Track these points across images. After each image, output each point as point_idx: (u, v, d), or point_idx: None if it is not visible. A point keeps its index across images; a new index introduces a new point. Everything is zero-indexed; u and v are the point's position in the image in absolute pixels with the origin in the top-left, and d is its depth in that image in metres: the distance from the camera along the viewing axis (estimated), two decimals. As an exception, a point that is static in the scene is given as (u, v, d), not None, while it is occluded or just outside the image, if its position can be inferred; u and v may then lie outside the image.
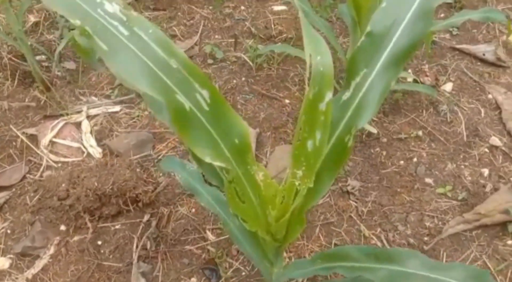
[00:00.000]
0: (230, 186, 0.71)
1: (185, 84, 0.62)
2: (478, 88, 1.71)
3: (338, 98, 0.71)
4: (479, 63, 1.81)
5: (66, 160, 1.43)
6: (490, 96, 1.68)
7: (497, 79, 1.75)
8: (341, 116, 0.71)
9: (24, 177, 1.40)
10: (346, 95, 0.70)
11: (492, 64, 1.80)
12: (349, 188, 1.44)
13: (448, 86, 1.70)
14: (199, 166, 0.79)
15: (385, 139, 1.55)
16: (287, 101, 1.64)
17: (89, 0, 0.60)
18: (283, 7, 1.98)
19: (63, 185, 1.30)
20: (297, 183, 0.72)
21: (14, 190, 1.37)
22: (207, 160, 0.64)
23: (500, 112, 1.63)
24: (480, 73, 1.76)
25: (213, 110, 0.65)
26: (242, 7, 1.96)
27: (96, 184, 1.24)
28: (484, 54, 1.83)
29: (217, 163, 0.65)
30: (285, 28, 1.87)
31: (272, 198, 0.77)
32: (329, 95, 0.64)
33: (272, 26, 1.87)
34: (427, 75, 1.74)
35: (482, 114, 1.62)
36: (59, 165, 1.43)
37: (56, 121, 1.51)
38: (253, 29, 1.86)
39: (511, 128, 1.58)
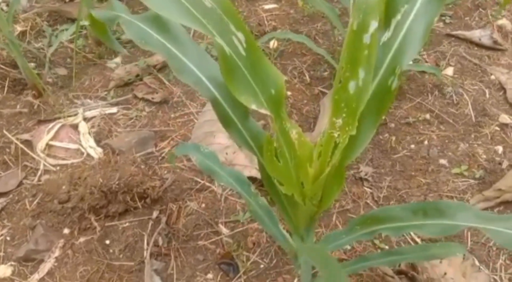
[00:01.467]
0: (270, 142, 0.65)
1: (222, 25, 0.58)
2: (479, 71, 1.70)
3: (378, 39, 0.66)
4: (476, 48, 1.81)
5: (65, 162, 1.35)
6: (492, 77, 1.67)
7: (497, 61, 1.74)
8: (382, 57, 0.66)
9: (21, 183, 1.31)
10: (386, 35, 0.65)
11: (489, 48, 1.80)
12: (362, 174, 1.39)
13: (449, 71, 1.69)
14: (229, 132, 0.74)
15: (392, 125, 1.51)
16: (288, 93, 1.59)
17: None
18: (274, 5, 1.96)
19: (64, 187, 1.22)
20: (336, 134, 0.67)
21: (11, 196, 1.28)
22: (253, 107, 0.59)
23: (504, 92, 1.62)
24: (479, 56, 1.76)
25: (250, 56, 0.60)
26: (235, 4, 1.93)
27: (101, 180, 1.17)
28: (480, 39, 1.83)
29: (262, 111, 0.60)
30: (278, 23, 1.84)
31: (308, 156, 0.71)
32: (374, 25, 0.59)
33: (266, 23, 1.85)
34: (427, 62, 1.73)
35: (487, 95, 1.60)
36: (58, 168, 1.35)
37: (52, 124, 1.43)
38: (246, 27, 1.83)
39: (517, 107, 1.56)
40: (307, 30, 1.82)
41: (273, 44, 1.78)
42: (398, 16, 0.64)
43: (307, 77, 1.65)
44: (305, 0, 1.90)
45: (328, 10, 1.41)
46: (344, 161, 0.69)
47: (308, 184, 0.71)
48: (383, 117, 1.51)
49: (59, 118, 1.47)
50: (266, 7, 1.95)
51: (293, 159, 0.70)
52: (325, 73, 1.66)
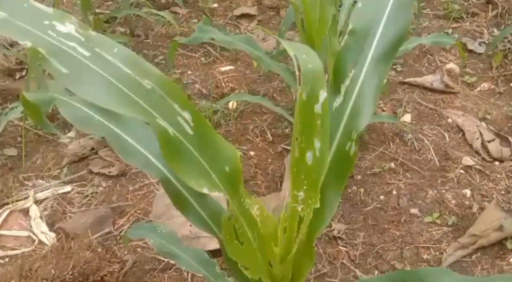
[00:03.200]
0: (229, 223, 0.60)
1: (164, 107, 0.53)
2: (436, 115, 1.72)
3: (329, 106, 0.64)
4: (429, 93, 1.85)
5: (15, 252, 1.24)
6: (449, 120, 1.69)
7: (451, 104, 1.77)
8: (337, 123, 0.63)
9: (-36, 281, 1.19)
10: (338, 101, 0.63)
11: (442, 91, 1.84)
12: (335, 232, 1.34)
13: (407, 117, 1.70)
14: (185, 214, 0.68)
15: (359, 177, 1.49)
16: (252, 153, 1.56)
17: (36, 23, 0.51)
18: (230, 67, 1.96)
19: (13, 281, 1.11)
20: (299, 208, 0.62)
21: (-47, 298, 1.15)
22: (205, 191, 0.54)
23: (463, 134, 1.64)
24: (434, 101, 1.79)
25: (198, 134, 0.56)
26: (189, 72, 1.92)
27: (53, 271, 1.07)
28: (432, 84, 1.87)
29: (215, 194, 0.54)
30: (236, 85, 1.83)
31: (272, 234, 0.66)
32: (323, 95, 0.57)
33: (223, 84, 1.84)
34: (384, 110, 1.74)
35: (447, 138, 1.62)
36: (7, 259, 1.23)
37: (0, 211, 1.33)
38: (204, 90, 1.82)
39: (478, 147, 1.58)
40: (265, 89, 1.82)
41: (232, 104, 1.76)
42: (347, 81, 0.62)
43: (269, 135, 1.62)
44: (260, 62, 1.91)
45: (282, 70, 1.40)
46: (312, 235, 0.64)
47: (276, 264, 0.65)
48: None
49: (8, 203, 1.37)
50: (223, 69, 1.95)
51: (256, 239, 0.64)
52: (287, 130, 1.64)
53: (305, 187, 0.60)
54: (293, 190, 0.61)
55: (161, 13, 2.04)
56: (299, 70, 0.56)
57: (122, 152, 0.69)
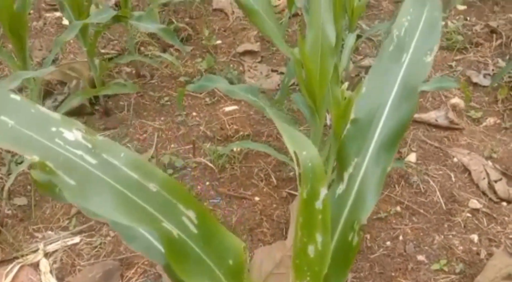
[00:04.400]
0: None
1: (169, 208, 0.55)
2: (441, 154, 1.72)
3: (332, 193, 0.65)
4: (434, 130, 1.85)
5: (24, 309, 1.25)
6: (455, 159, 1.69)
7: (456, 142, 1.78)
8: (339, 212, 0.64)
9: None
10: (341, 188, 0.64)
11: (447, 128, 1.85)
12: None
13: (412, 157, 1.70)
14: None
15: (365, 222, 1.48)
16: (257, 198, 1.56)
17: (43, 131, 0.53)
18: (234, 107, 1.98)
19: None
20: (305, 298, 0.62)
21: None
22: (207, 287, 0.55)
23: (469, 174, 1.64)
24: (439, 139, 1.79)
25: (202, 231, 0.57)
26: (194, 113, 1.94)
27: None
28: (436, 120, 1.88)
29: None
30: (240, 126, 1.85)
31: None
32: (324, 191, 0.58)
33: (227, 126, 1.85)
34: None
35: (453, 179, 1.61)
36: (17, 317, 1.24)
37: (11, 266, 1.34)
38: (208, 133, 1.83)
39: (485, 187, 1.57)
40: (269, 131, 1.83)
41: (236, 148, 1.77)
42: (350, 169, 0.63)
43: (274, 179, 1.63)
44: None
45: (284, 121, 1.42)
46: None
47: None
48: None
49: (18, 258, 1.38)
50: (227, 109, 1.97)
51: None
52: (291, 174, 1.65)
53: (308, 278, 0.61)
54: (296, 280, 0.62)
55: (165, 55, 2.07)
56: (299, 167, 0.57)
57: (123, 234, 0.70)
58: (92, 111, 1.97)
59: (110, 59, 2.32)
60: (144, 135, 1.85)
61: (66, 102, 1.74)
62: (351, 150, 0.63)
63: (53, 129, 0.53)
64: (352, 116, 0.64)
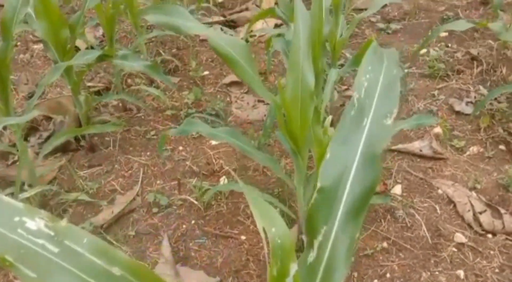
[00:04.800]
0: None
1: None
2: (426, 186, 1.73)
3: (304, 260, 0.65)
4: (419, 160, 1.86)
5: None
6: (440, 191, 1.69)
7: (441, 172, 1.78)
8: (310, 280, 0.64)
9: None
10: (311, 256, 0.64)
11: (431, 158, 1.85)
12: (329, 321, 1.33)
13: (397, 189, 1.71)
14: None
15: (352, 259, 1.48)
16: (243, 237, 1.56)
17: (6, 221, 0.52)
18: (225, 127, 1.98)
19: None
20: None
21: None
22: None
23: (454, 206, 1.64)
24: (423, 169, 1.80)
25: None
26: (180, 148, 1.94)
27: None
28: (421, 150, 1.89)
29: None
30: (226, 161, 1.85)
31: None
32: (294, 268, 0.58)
33: (214, 161, 1.86)
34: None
35: (438, 211, 1.62)
36: None
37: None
38: (195, 168, 1.83)
39: (470, 220, 1.58)
40: (255, 165, 1.83)
41: (223, 181, 1.77)
42: (320, 237, 0.64)
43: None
44: (250, 138, 1.93)
45: (267, 161, 1.42)
46: None
47: None
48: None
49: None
50: (213, 142, 1.97)
51: None
52: (277, 209, 1.64)
53: None
54: None
55: (151, 89, 2.08)
56: (268, 244, 0.57)
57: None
58: (78, 147, 1.97)
59: (96, 92, 2.33)
60: (130, 171, 1.84)
61: (51, 141, 1.73)
62: (319, 218, 0.64)
63: (16, 219, 0.53)
64: (318, 185, 0.65)
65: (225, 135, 1.35)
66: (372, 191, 0.64)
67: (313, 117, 1.28)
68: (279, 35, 1.70)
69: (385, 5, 3.04)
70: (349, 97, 2.17)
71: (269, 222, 0.58)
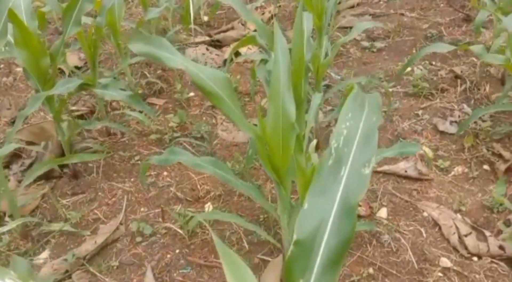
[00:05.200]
0: None
1: None
2: (411, 208, 1.72)
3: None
4: (404, 181, 1.86)
5: None
6: (425, 214, 1.69)
7: (426, 194, 1.79)
8: None
9: None
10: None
11: (416, 179, 1.86)
12: None
13: (383, 212, 1.70)
14: None
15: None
16: (229, 266, 1.54)
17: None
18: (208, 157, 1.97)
19: None
20: None
21: None
22: None
23: (440, 229, 1.64)
24: (409, 191, 1.80)
25: None
26: (165, 173, 1.93)
27: None
28: (406, 171, 1.89)
29: None
30: (211, 186, 1.84)
31: None
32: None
33: (198, 187, 1.84)
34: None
35: (424, 235, 1.62)
36: None
37: None
38: (179, 194, 1.81)
39: (455, 242, 1.58)
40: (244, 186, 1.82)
41: (208, 208, 1.76)
42: (297, 292, 0.62)
43: (246, 243, 1.61)
44: (234, 162, 1.93)
45: (248, 189, 1.41)
46: None
47: None
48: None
49: None
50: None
51: None
52: (262, 237, 1.63)
53: None
54: None
55: (134, 113, 2.07)
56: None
57: None
58: (61, 174, 1.94)
59: (80, 116, 2.31)
60: (113, 199, 1.82)
61: (33, 170, 1.71)
62: (296, 271, 0.63)
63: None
64: (294, 237, 0.64)
65: (208, 166, 1.34)
66: (349, 243, 0.63)
67: (295, 146, 1.28)
68: (262, 60, 1.70)
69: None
70: (335, 118, 2.18)
71: (239, 278, 0.57)
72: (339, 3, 3.17)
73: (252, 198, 1.42)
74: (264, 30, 1.46)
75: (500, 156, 1.92)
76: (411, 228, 1.65)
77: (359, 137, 0.72)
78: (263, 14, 3.29)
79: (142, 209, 1.77)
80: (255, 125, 1.24)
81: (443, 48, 1.92)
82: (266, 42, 1.46)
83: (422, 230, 1.64)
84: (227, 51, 2.91)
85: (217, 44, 3.02)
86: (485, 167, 1.91)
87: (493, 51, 2.27)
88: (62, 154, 1.96)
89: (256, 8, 3.29)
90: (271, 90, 1.22)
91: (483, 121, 2.10)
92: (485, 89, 2.35)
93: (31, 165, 1.99)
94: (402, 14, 3.13)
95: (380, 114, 0.78)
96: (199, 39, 3.02)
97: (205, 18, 3.32)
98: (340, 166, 0.68)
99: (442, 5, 3.21)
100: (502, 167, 1.86)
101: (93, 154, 1.81)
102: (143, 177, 1.60)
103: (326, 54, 2.24)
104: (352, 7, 3.27)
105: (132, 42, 1.24)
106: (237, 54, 2.87)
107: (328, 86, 2.42)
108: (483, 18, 2.34)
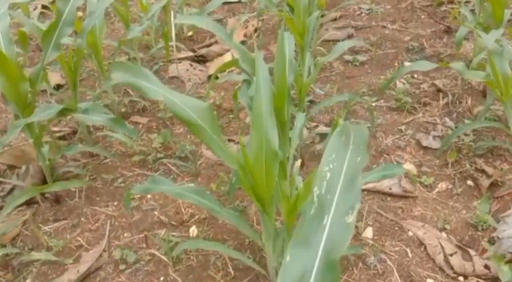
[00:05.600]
0: None
1: None
2: (397, 228, 1.73)
3: None
4: (389, 199, 1.87)
5: None
6: (410, 233, 1.70)
7: (411, 212, 1.79)
8: None
9: None
10: None
11: (401, 196, 1.86)
12: None
13: (368, 232, 1.70)
14: None
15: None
16: (214, 293, 1.52)
17: None
18: (191, 185, 1.95)
19: None
20: None
21: None
22: None
23: (425, 248, 1.64)
24: (394, 210, 1.80)
25: None
26: (149, 196, 1.90)
27: None
28: (390, 188, 1.89)
29: None
30: (196, 209, 1.82)
31: None
32: None
33: (183, 210, 1.82)
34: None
35: (410, 255, 1.62)
36: None
37: None
38: (163, 218, 1.79)
39: (441, 262, 1.58)
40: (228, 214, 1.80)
41: (193, 232, 1.74)
42: None
43: (231, 269, 1.59)
44: (219, 183, 1.91)
45: (232, 218, 1.40)
46: None
47: None
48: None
49: None
50: (182, 188, 1.93)
51: None
52: (249, 261, 1.62)
53: None
54: None
55: (117, 135, 2.04)
56: None
57: None
58: (42, 199, 1.91)
59: (62, 137, 2.28)
60: (96, 224, 1.79)
61: (13, 197, 1.67)
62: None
63: None
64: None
65: (191, 195, 1.33)
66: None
67: (279, 173, 1.27)
68: (245, 80, 1.69)
69: (352, 35, 3.09)
70: (319, 134, 2.18)
71: None
72: (322, 16, 3.18)
73: (236, 226, 1.40)
74: (246, 56, 1.46)
75: (483, 171, 1.93)
76: (397, 248, 1.65)
77: (342, 182, 0.71)
78: (246, 27, 3.29)
79: (125, 234, 1.74)
80: (240, 144, 1.23)
81: (425, 66, 1.93)
82: (248, 67, 1.45)
83: (408, 250, 1.64)
84: (211, 66, 2.90)
85: (201, 59, 3.01)
86: (469, 182, 1.92)
87: (474, 64, 2.30)
88: (44, 178, 1.93)
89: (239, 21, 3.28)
90: (253, 120, 1.21)
91: (466, 135, 2.11)
92: (467, 102, 2.37)
93: (11, 190, 1.95)
94: (384, 27, 3.16)
95: (366, 152, 0.78)
96: (182, 54, 3.00)
97: (189, 33, 3.31)
98: (322, 214, 0.67)
99: (423, 16, 3.24)
100: (485, 182, 1.88)
101: (75, 182, 1.78)
102: (127, 206, 1.58)
103: (310, 71, 2.24)
104: (335, 19, 3.29)
105: (114, 72, 1.23)
106: (222, 71, 2.87)
107: (311, 102, 2.42)
108: (464, 34, 2.37)
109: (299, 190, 1.28)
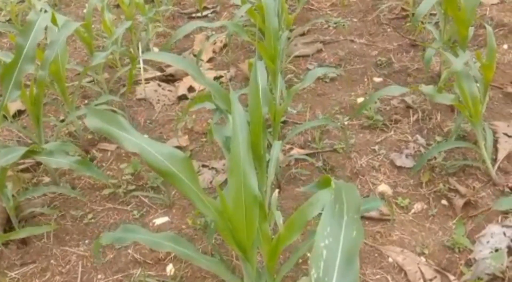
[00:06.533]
0: None
1: None
2: (376, 254, 1.72)
3: None
4: (367, 222, 1.86)
5: None
6: (390, 259, 1.69)
7: (389, 237, 1.79)
8: None
9: None
10: None
11: (378, 219, 1.86)
12: None
13: (349, 261, 1.69)
14: None
15: None
16: None
17: None
18: (165, 218, 1.90)
19: None
20: None
21: None
22: None
23: (405, 274, 1.64)
24: (372, 235, 1.80)
25: None
26: (121, 232, 1.83)
27: None
28: (368, 212, 1.89)
29: None
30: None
31: None
32: None
33: (159, 246, 1.76)
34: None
35: (390, 283, 1.61)
36: None
37: None
38: (138, 256, 1.73)
39: (421, 290, 1.58)
40: (203, 247, 1.76)
41: (170, 271, 1.68)
42: None
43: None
44: (195, 217, 1.86)
45: (211, 264, 1.35)
46: None
47: None
48: None
49: None
50: (158, 222, 1.88)
51: None
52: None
53: None
54: None
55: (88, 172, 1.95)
56: None
57: None
58: (8, 241, 1.81)
59: (26, 169, 2.18)
60: (67, 266, 1.71)
61: (-25, 244, 1.58)
62: None
63: None
64: None
65: (168, 243, 1.27)
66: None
67: (259, 214, 1.24)
68: (217, 109, 1.64)
69: (321, 50, 3.10)
70: (293, 156, 2.15)
71: None
72: (291, 30, 3.17)
73: (216, 273, 1.36)
74: (219, 92, 1.41)
75: (456, 190, 1.96)
76: (377, 276, 1.64)
77: (339, 263, 0.68)
78: (214, 44, 3.24)
79: (99, 276, 1.67)
80: (218, 191, 1.19)
81: (395, 90, 1.95)
82: (222, 104, 1.41)
83: (389, 277, 1.63)
84: (180, 86, 2.84)
85: (170, 79, 2.95)
86: (443, 202, 1.94)
87: (442, 84, 2.34)
88: (8, 218, 1.83)
89: (207, 37, 3.23)
90: (231, 164, 1.17)
91: (438, 153, 2.14)
92: (436, 118, 2.40)
93: (-27, 233, 1.84)
94: (352, 40, 3.17)
95: (360, 223, 0.75)
96: (150, 74, 2.93)
97: (156, 50, 3.24)
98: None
99: (389, 30, 3.27)
100: (459, 202, 1.90)
101: (42, 226, 1.69)
102: (97, 254, 1.51)
103: (282, 93, 2.22)
104: (303, 34, 3.28)
105: (88, 118, 1.17)
106: (191, 89, 2.82)
107: (284, 123, 2.41)
108: (432, 54, 2.40)
109: (280, 232, 1.25)
